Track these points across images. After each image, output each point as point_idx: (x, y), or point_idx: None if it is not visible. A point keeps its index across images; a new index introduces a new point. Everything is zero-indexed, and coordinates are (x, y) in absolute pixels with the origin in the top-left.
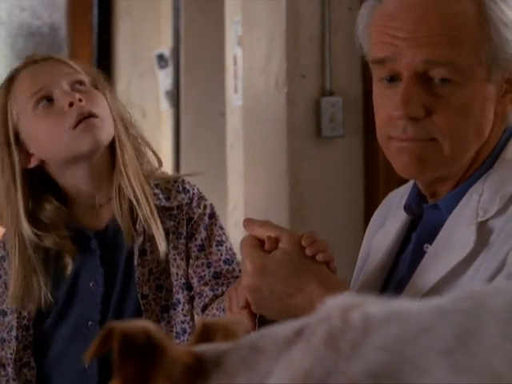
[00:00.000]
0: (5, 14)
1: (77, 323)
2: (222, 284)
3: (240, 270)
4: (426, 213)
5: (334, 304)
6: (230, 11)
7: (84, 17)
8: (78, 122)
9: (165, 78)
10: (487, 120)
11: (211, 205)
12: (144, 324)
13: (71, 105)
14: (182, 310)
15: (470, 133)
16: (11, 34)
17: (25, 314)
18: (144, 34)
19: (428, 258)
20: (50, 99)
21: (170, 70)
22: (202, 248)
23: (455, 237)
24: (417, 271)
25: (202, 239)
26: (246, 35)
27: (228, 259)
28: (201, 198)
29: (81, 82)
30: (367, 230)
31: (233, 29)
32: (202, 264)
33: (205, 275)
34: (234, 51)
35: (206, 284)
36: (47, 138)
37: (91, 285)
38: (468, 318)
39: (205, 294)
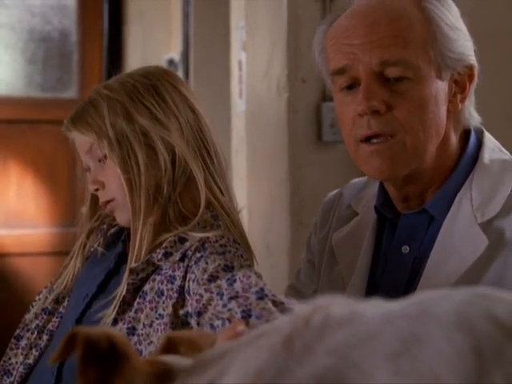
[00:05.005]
0: (15, 19)
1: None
2: (240, 305)
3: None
4: (405, 216)
5: (306, 306)
6: (235, 17)
7: (94, 22)
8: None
9: None
10: (442, 116)
11: (225, 256)
12: (108, 331)
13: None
14: None
15: (428, 126)
16: (22, 39)
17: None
18: (154, 39)
19: (433, 261)
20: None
21: (179, 75)
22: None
23: (457, 240)
24: (423, 276)
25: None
26: (248, 40)
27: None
28: (210, 254)
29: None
30: (313, 233)
31: (238, 34)
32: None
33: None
34: (238, 56)
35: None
36: None
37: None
38: (413, 324)
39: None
